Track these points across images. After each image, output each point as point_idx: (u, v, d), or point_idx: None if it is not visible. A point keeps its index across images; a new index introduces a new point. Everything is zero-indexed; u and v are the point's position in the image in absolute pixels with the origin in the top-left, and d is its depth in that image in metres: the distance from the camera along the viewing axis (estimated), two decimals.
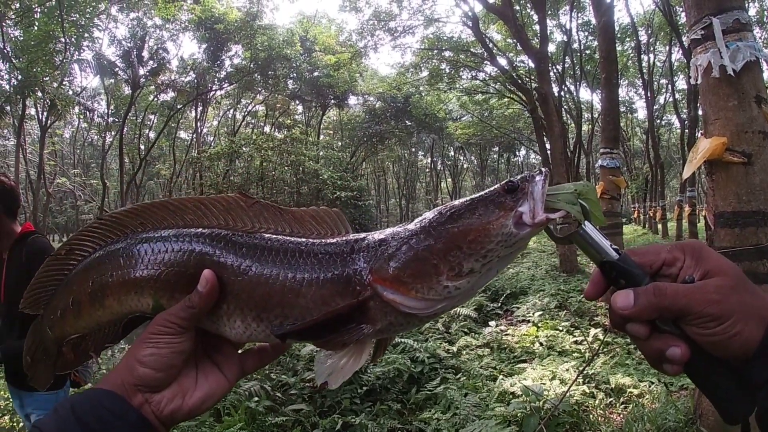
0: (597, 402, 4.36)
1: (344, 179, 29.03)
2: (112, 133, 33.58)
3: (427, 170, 55.76)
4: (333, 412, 4.28)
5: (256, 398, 3.98)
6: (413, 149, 50.12)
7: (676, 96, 24.43)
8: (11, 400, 2.97)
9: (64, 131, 42.76)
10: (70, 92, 26.91)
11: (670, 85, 25.31)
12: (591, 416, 4.18)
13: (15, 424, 3.56)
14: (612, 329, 6.09)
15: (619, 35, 21.13)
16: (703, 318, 0.54)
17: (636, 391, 4.53)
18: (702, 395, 3.48)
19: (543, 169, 0.63)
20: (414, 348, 5.27)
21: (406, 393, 4.78)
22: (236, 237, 0.65)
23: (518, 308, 7.51)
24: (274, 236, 0.65)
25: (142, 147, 34.77)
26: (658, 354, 0.58)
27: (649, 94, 24.02)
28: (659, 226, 23.76)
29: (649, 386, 4.68)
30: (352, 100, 39.22)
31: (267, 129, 38.79)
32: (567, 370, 4.76)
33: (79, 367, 2.76)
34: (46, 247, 2.64)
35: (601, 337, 5.87)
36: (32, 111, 27.90)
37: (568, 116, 27.12)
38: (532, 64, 17.29)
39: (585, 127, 30.93)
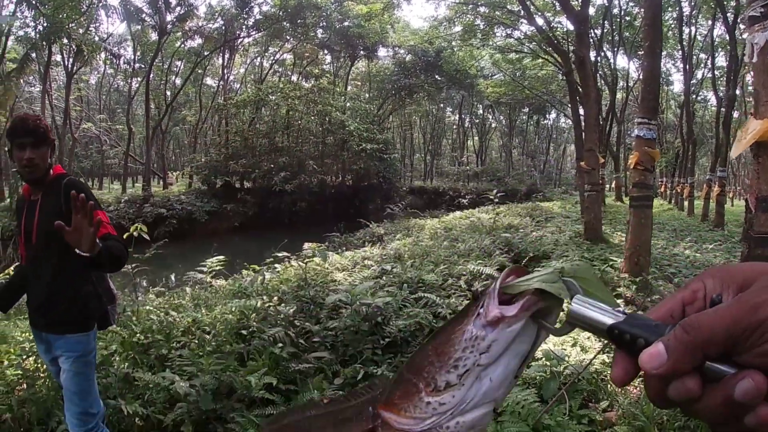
0: None
1: (370, 131, 28.84)
2: (139, 79, 33.58)
3: (455, 127, 55.02)
4: (354, 362, 4.35)
5: (280, 344, 4.06)
6: (441, 105, 49.37)
7: (715, 73, 23.47)
8: (35, 344, 3.00)
9: (90, 77, 42.92)
10: (97, 38, 26.88)
11: (709, 61, 24.32)
12: (609, 386, 4.20)
13: (39, 365, 3.67)
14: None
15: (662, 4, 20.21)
16: (760, 329, 0.39)
17: None
18: None
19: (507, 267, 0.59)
20: (436, 303, 5.30)
21: None
22: None
23: None
24: None
25: (168, 93, 34.86)
26: (727, 404, 0.40)
27: (687, 68, 23.09)
28: (685, 203, 23.20)
29: None
30: (382, 52, 38.59)
31: (294, 78, 38.45)
32: (588, 338, 4.76)
33: (108, 307, 2.84)
34: (83, 187, 2.65)
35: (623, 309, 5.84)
36: (58, 57, 27.99)
37: (603, 82, 26.34)
38: (570, 26, 16.74)
39: (619, 95, 30.08)
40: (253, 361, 3.89)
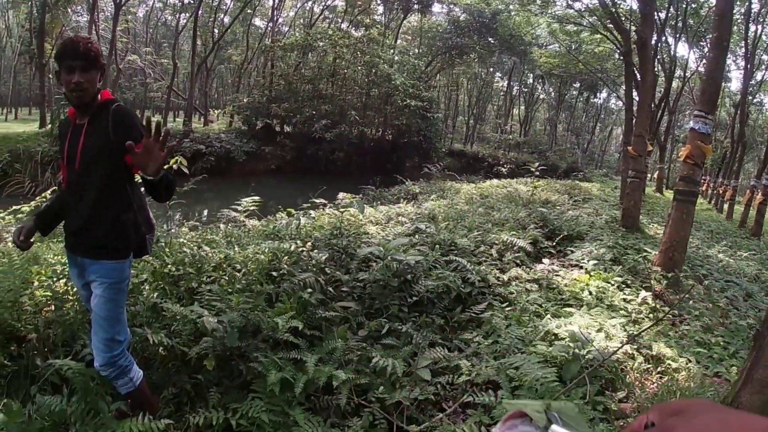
0: (636, 365, 4.27)
1: (416, 88, 28.29)
2: (187, 14, 33.49)
3: (502, 93, 53.61)
4: (380, 316, 4.34)
5: (310, 290, 4.06)
6: (491, 69, 48.01)
7: None
8: (68, 267, 3.02)
9: (138, 10, 42.98)
10: None
11: None
12: (627, 377, 4.11)
13: (69, 288, 3.72)
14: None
15: None
16: None
17: (674, 365, 4.41)
18: (744, 387, 3.34)
19: None
20: (466, 268, 5.22)
21: (451, 311, 4.79)
22: None
23: (572, 252, 7.31)
24: None
25: (216, 31, 34.66)
26: None
27: (748, 67, 21.83)
28: (725, 206, 22.32)
29: (686, 363, 4.56)
30: (436, 7, 37.55)
31: (344, 26, 37.81)
32: (614, 326, 4.65)
33: (146, 236, 2.84)
34: (131, 114, 2.61)
35: (650, 302, 5.74)
36: None
37: (660, 68, 25.11)
38: (635, 5, 15.92)
39: (674, 84, 28.71)
40: (281, 303, 3.90)
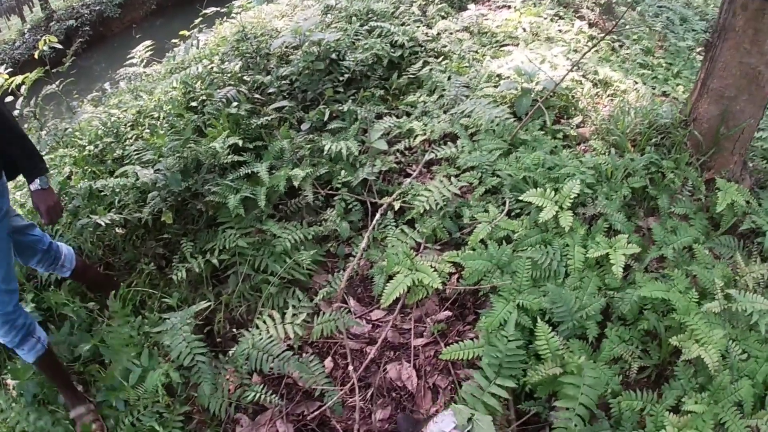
0: (586, 90, 4.19)
1: None
2: None
3: None
4: (317, 105, 4.07)
5: (235, 103, 3.70)
6: None
7: None
8: None
9: None
10: None
11: None
12: (580, 103, 4.04)
13: None
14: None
15: None
16: None
17: (623, 86, 4.36)
18: (700, 97, 3.25)
19: None
20: (391, 32, 4.81)
21: (388, 79, 4.53)
22: None
23: None
24: None
25: None
26: None
27: None
28: None
29: (634, 84, 4.50)
30: None
31: None
32: (555, 55, 4.45)
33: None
34: None
35: (586, 30, 5.53)
36: None
37: None
38: None
39: None
40: (212, 128, 3.59)
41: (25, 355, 2.42)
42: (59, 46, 4.22)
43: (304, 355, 2.63)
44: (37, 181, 2.38)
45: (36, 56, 4.44)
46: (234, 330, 2.92)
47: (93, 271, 3.09)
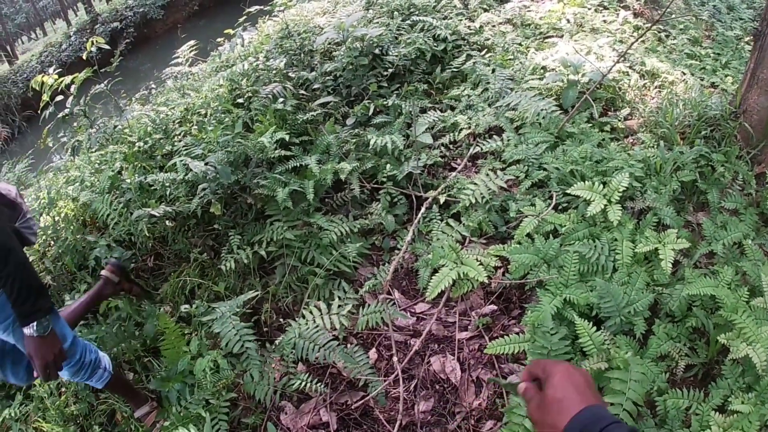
0: (632, 82, 4.10)
1: None
2: None
3: None
4: (361, 100, 4.10)
5: (281, 99, 3.77)
6: None
7: None
8: None
9: None
10: None
11: None
12: (627, 95, 3.96)
13: None
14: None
15: None
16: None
17: (670, 77, 4.24)
18: (750, 88, 3.16)
19: None
20: (433, 26, 4.82)
21: (431, 73, 4.54)
22: None
23: None
24: None
25: None
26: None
27: None
28: None
29: (681, 75, 4.38)
30: None
31: None
32: (601, 46, 4.37)
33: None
34: None
35: (631, 21, 5.39)
36: None
37: None
38: None
39: None
40: (259, 124, 3.66)
41: (94, 383, 2.44)
42: (106, 46, 4.35)
43: (349, 345, 2.67)
44: (34, 325, 1.85)
45: (84, 57, 4.58)
46: (280, 320, 2.98)
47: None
